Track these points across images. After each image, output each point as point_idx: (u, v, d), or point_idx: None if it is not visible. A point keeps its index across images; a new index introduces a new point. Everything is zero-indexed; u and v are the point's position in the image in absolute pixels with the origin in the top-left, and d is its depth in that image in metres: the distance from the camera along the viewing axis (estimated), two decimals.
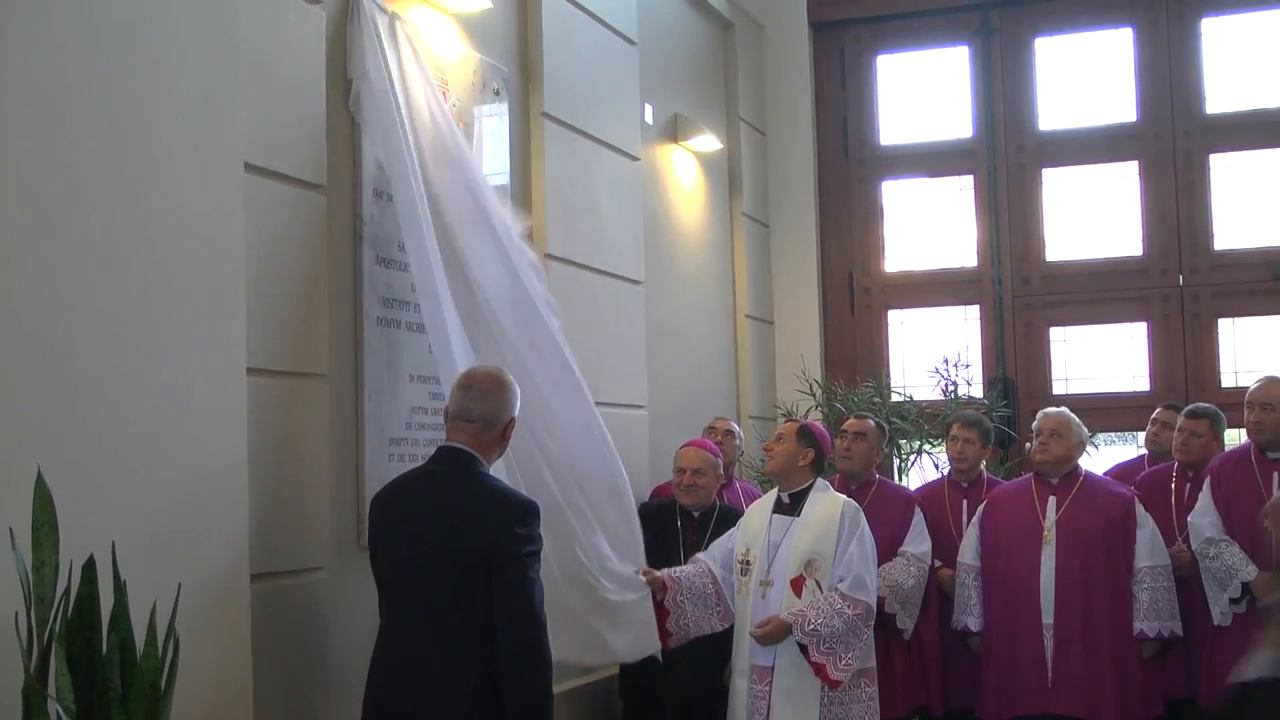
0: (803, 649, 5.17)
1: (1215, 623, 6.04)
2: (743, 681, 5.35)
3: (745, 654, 5.35)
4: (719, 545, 5.63)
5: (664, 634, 5.43)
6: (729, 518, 6.05)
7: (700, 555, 5.63)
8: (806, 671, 5.18)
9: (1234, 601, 5.98)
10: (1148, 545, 6.10)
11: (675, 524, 6.07)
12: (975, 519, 6.40)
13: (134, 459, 3.55)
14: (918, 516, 6.36)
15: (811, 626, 5.15)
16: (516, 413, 4.19)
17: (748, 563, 5.42)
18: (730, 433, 6.83)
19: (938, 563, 6.42)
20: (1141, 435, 8.69)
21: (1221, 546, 6.00)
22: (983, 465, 6.95)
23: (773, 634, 5.22)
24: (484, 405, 4.09)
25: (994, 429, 7.14)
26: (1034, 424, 6.45)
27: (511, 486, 4.25)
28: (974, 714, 6.30)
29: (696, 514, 6.10)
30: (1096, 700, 5.94)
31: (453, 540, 3.91)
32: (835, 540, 5.30)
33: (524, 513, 3.98)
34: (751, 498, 6.71)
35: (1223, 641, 6.06)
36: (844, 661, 5.16)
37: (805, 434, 5.54)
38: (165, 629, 3.11)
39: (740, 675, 5.38)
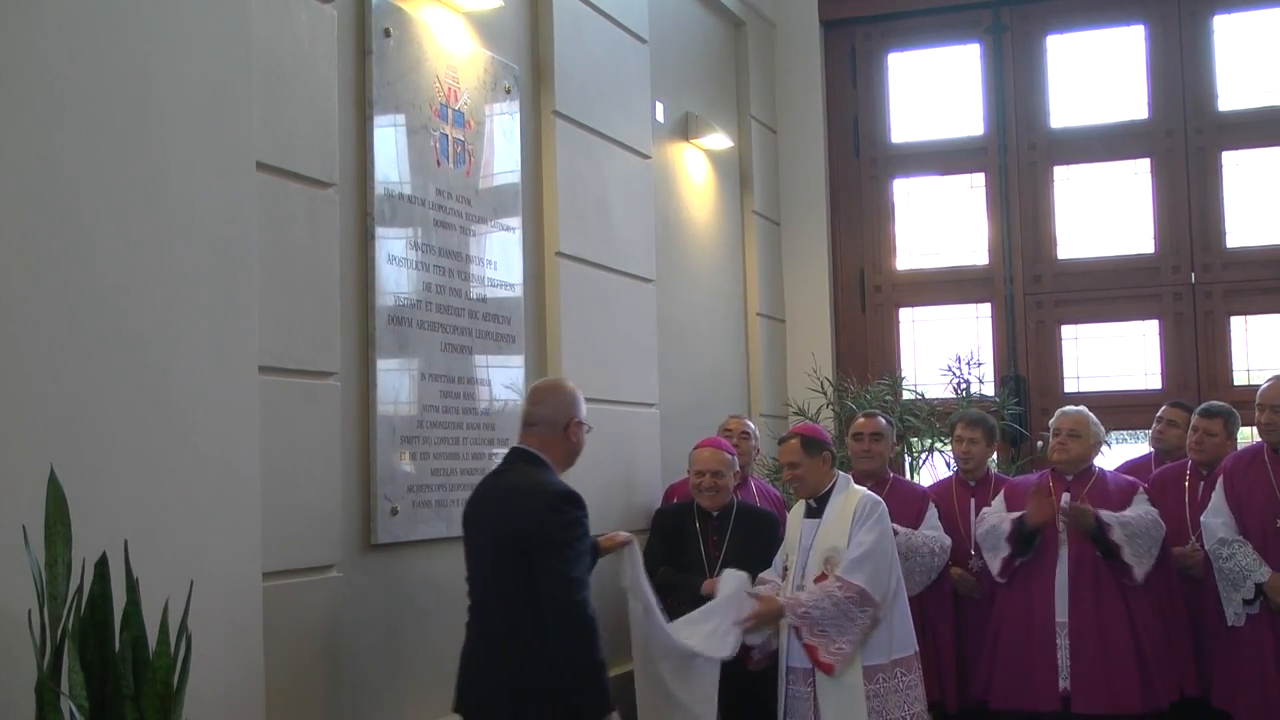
0: (797, 632, 5.19)
1: (1229, 623, 6.03)
2: (782, 685, 5.36)
3: (784, 657, 5.36)
4: (777, 560, 5.67)
5: (744, 649, 5.43)
6: (747, 516, 6.07)
7: (761, 576, 5.61)
8: (850, 665, 5.17)
9: (1247, 602, 5.97)
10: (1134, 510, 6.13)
11: (694, 526, 6.05)
12: (999, 497, 6.43)
13: (146, 457, 3.56)
14: (931, 511, 6.41)
15: (803, 609, 5.18)
16: (580, 416, 4.49)
17: (786, 569, 5.49)
18: (746, 433, 6.80)
19: (954, 570, 6.46)
20: None
21: (1235, 547, 5.99)
22: (991, 463, 6.93)
23: (764, 616, 5.25)
24: (543, 409, 4.47)
25: (998, 426, 7.14)
26: (1052, 422, 6.44)
27: (560, 480, 4.38)
28: (987, 707, 6.28)
29: (715, 514, 6.09)
30: (1114, 691, 5.92)
31: (497, 528, 4.25)
32: (849, 534, 5.31)
33: (557, 500, 4.20)
34: (767, 495, 6.72)
35: (1236, 642, 6.05)
36: (836, 645, 5.15)
37: (811, 445, 5.53)
38: (177, 627, 3.11)
39: (780, 678, 5.39)
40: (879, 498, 5.52)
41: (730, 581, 5.38)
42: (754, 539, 5.86)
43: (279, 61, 4.36)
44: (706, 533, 6.03)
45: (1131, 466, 7.22)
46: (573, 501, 4.24)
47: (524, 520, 4.17)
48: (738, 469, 6.25)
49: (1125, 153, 9.28)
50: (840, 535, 5.33)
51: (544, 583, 4.12)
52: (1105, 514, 6.03)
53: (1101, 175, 9.37)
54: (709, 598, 5.43)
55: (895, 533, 5.90)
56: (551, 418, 4.46)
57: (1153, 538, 6.04)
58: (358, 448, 4.82)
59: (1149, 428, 7.32)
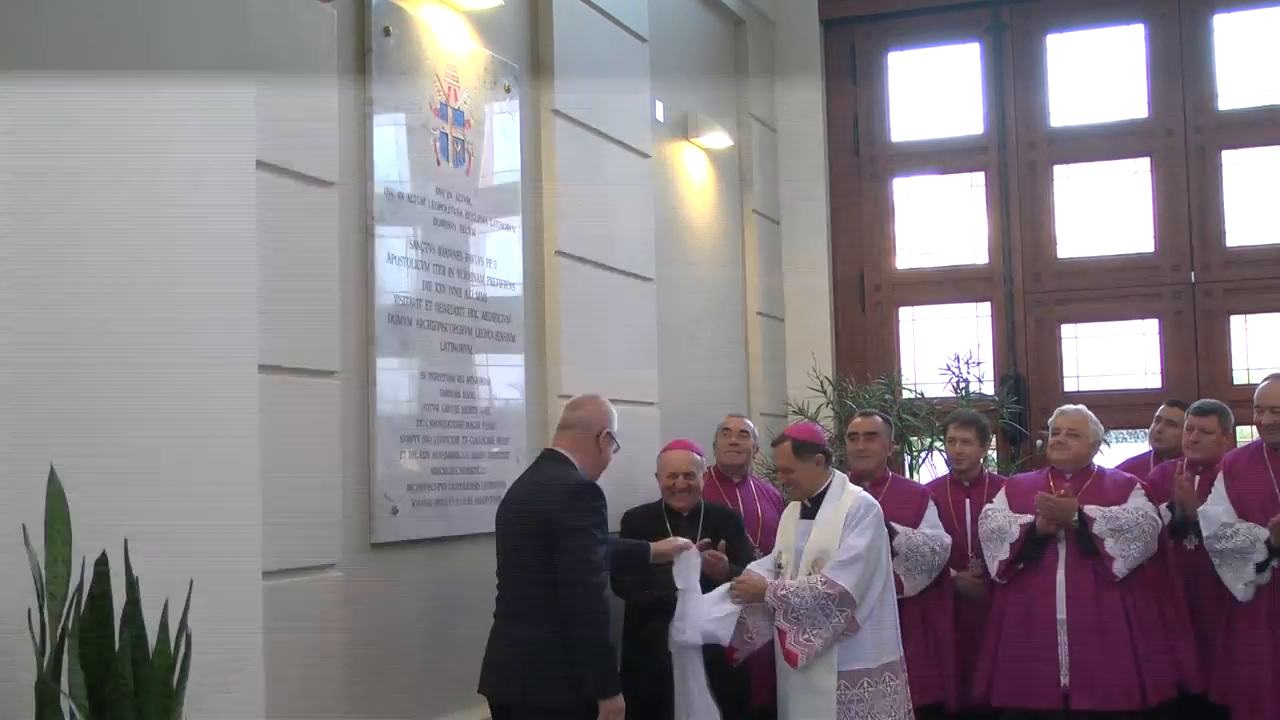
0: (773, 613, 5.22)
1: (1239, 599, 6.02)
2: (782, 679, 5.37)
3: (780, 648, 5.34)
4: (770, 556, 5.65)
5: (729, 648, 5.45)
6: (714, 515, 6.11)
7: (751, 567, 5.62)
8: (822, 668, 5.17)
9: (1260, 568, 5.95)
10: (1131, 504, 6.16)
11: (665, 526, 6.02)
12: (1000, 495, 6.43)
13: (147, 456, 3.56)
14: (931, 509, 6.42)
15: (784, 592, 5.21)
16: (612, 429, 4.91)
17: (780, 566, 5.48)
18: (745, 431, 6.77)
19: (952, 571, 6.49)
20: None
21: (1237, 526, 6.00)
22: (989, 461, 6.93)
23: (747, 590, 5.30)
24: (578, 414, 4.89)
25: (990, 425, 7.14)
26: (1051, 421, 6.45)
27: (581, 476, 4.73)
28: (988, 705, 6.28)
29: (685, 514, 6.09)
30: (1112, 687, 5.94)
31: (523, 519, 4.61)
32: (839, 537, 5.29)
33: (576, 489, 4.58)
34: (766, 494, 6.70)
35: (1234, 638, 6.08)
36: (805, 637, 5.16)
37: (803, 449, 5.50)
38: (177, 626, 3.12)
39: (779, 671, 5.39)
40: (874, 500, 5.49)
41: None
42: (723, 536, 5.88)
43: (279, 60, 4.35)
44: (678, 532, 5.97)
45: (1130, 465, 7.23)
46: (591, 491, 4.61)
47: (546, 509, 4.53)
48: (705, 468, 6.27)
49: (1125, 152, 9.27)
50: (831, 539, 5.31)
51: (561, 566, 4.46)
52: (1090, 507, 6.05)
53: (1101, 174, 9.35)
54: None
55: (894, 533, 5.90)
56: (586, 423, 4.86)
57: (1144, 532, 6.05)
58: (358, 447, 4.82)
59: (1149, 426, 7.34)
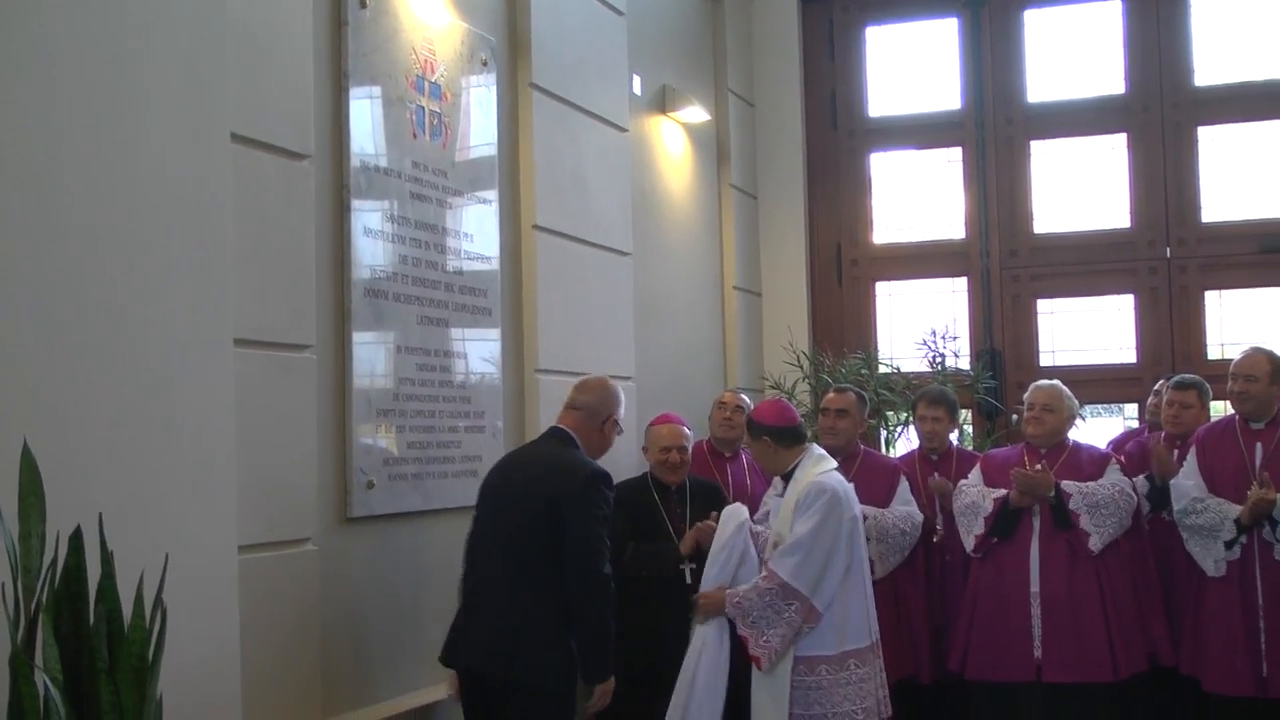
0: (734, 623, 5.07)
1: (1210, 574, 6.04)
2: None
3: None
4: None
5: None
6: (699, 487, 6.15)
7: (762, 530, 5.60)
8: (780, 661, 5.02)
9: (1229, 545, 5.98)
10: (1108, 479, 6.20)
11: (655, 499, 6.05)
12: (975, 470, 6.46)
13: (121, 430, 3.54)
14: (903, 485, 6.41)
15: (738, 599, 5.04)
16: (619, 415, 4.96)
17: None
18: (740, 407, 6.74)
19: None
20: (1128, 407, 8.73)
21: (1208, 501, 6.03)
22: (965, 437, 6.95)
23: (708, 606, 5.15)
24: (587, 397, 4.93)
25: (958, 401, 7.15)
26: (1025, 396, 6.47)
27: (593, 460, 4.79)
28: (961, 678, 6.30)
29: (674, 487, 6.11)
30: (1083, 660, 5.97)
31: (523, 494, 4.61)
32: (791, 523, 5.11)
33: (593, 478, 4.62)
34: (757, 469, 6.69)
35: (1204, 610, 6.10)
36: (764, 638, 4.96)
37: (752, 429, 5.38)
38: (153, 600, 3.10)
39: None
40: (826, 485, 5.13)
41: (731, 519, 5.31)
42: (711, 507, 5.89)
43: (254, 32, 4.33)
44: (669, 505, 6.02)
45: (1123, 439, 7.27)
46: (603, 480, 4.64)
47: (559, 489, 4.55)
48: (697, 441, 6.34)
49: (1102, 128, 9.30)
50: (785, 525, 5.13)
51: (570, 554, 4.50)
52: (1067, 483, 6.08)
53: (1078, 150, 9.39)
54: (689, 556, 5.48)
55: (865, 517, 5.81)
56: (594, 407, 4.90)
57: (1119, 507, 6.08)
58: (333, 421, 4.82)
59: (1123, 401, 7.37)
